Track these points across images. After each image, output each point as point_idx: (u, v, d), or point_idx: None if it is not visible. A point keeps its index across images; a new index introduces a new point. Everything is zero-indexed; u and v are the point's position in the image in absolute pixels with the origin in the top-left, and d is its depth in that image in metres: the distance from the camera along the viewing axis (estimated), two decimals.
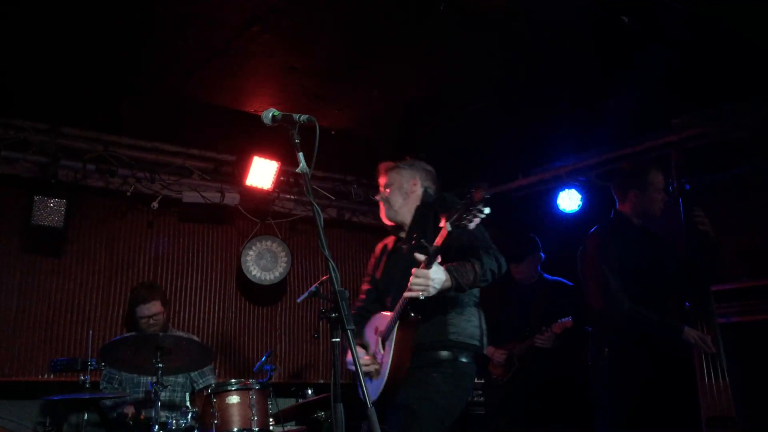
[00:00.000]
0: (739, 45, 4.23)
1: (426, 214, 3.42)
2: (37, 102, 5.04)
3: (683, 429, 3.70)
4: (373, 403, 3.14)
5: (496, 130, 5.70)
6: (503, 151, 6.14)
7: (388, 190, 3.58)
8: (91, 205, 5.70)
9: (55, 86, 4.83)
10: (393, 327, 3.19)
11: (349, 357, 3.38)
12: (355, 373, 2.26)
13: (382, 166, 3.70)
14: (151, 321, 4.93)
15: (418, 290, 2.97)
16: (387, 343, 3.23)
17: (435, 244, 2.92)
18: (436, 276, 2.98)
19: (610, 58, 4.47)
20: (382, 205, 3.60)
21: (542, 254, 5.55)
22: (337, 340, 2.29)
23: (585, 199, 6.10)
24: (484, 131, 5.73)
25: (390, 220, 3.58)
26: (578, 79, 4.78)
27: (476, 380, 5.92)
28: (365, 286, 3.72)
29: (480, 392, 5.93)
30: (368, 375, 3.33)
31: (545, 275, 5.56)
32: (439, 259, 3.01)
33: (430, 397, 3.09)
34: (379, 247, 3.77)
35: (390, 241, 3.72)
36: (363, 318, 3.56)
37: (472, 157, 6.31)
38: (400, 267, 3.35)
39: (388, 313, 3.30)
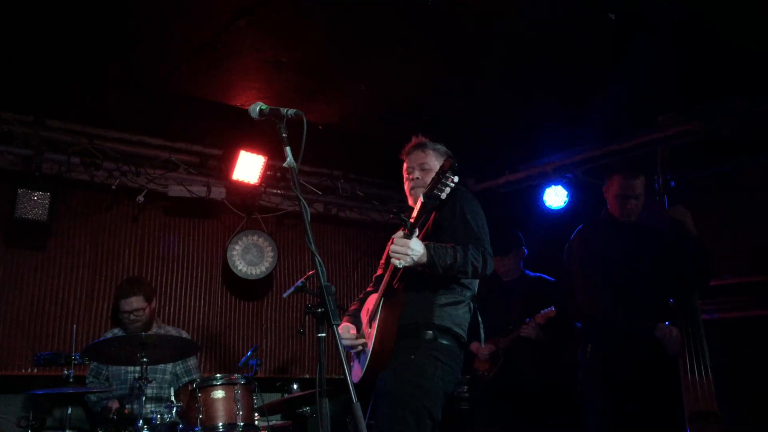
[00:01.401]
0: (724, 43, 4.26)
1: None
2: (22, 94, 5.00)
3: (667, 424, 3.73)
4: (359, 381, 3.15)
5: (483, 125, 5.71)
6: (490, 146, 6.16)
7: (426, 172, 3.45)
8: (75, 198, 5.65)
9: (40, 78, 4.79)
10: (378, 304, 3.21)
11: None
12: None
13: (423, 143, 3.58)
14: (132, 317, 4.83)
15: (397, 257, 2.97)
16: (373, 322, 3.24)
17: (413, 216, 2.98)
18: (415, 246, 2.98)
19: (597, 56, 4.49)
20: (414, 183, 3.48)
21: (525, 250, 5.58)
22: (323, 335, 2.28)
23: (571, 196, 6.13)
24: (471, 127, 5.74)
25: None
26: (565, 76, 4.79)
27: (462, 376, 5.95)
28: (377, 274, 3.70)
29: (465, 388, 5.95)
30: (356, 352, 3.37)
31: (527, 271, 5.59)
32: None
33: (413, 381, 3.03)
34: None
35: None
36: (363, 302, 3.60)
37: (459, 152, 6.30)
38: None
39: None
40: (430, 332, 3.15)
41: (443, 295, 3.21)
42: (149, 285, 5.19)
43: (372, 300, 3.37)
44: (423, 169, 3.45)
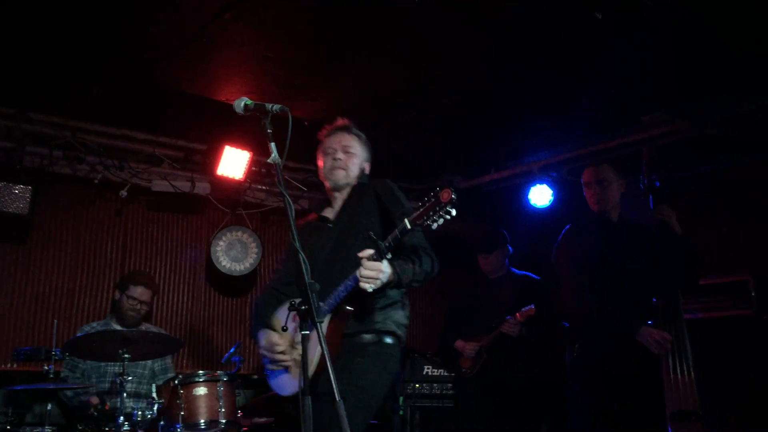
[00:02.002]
0: (709, 42, 4.27)
1: (359, 197, 3.26)
2: (3, 86, 4.93)
3: (649, 423, 3.75)
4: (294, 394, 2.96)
5: (469, 123, 5.71)
6: (476, 144, 6.16)
7: (350, 156, 3.31)
8: (57, 192, 5.60)
9: (22, 70, 4.73)
10: (325, 315, 2.98)
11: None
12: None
13: (348, 125, 3.43)
14: (137, 305, 4.93)
15: (368, 282, 2.78)
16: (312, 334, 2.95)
17: (389, 238, 2.76)
18: (386, 269, 2.81)
19: (582, 55, 4.49)
20: (334, 164, 3.27)
21: (510, 248, 5.59)
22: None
23: (556, 195, 6.15)
24: (457, 124, 5.73)
25: (336, 187, 3.29)
26: (550, 75, 4.80)
27: (446, 373, 5.96)
28: (281, 265, 3.49)
29: (450, 385, 5.96)
30: (284, 368, 3.11)
31: (513, 269, 5.60)
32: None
33: (356, 382, 2.92)
34: (299, 224, 3.40)
35: (311, 219, 3.43)
36: (274, 299, 3.30)
37: (445, 149, 6.32)
38: (325, 250, 3.18)
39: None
40: (372, 335, 3.05)
41: (380, 299, 3.10)
42: (157, 285, 5.33)
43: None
44: (347, 152, 3.29)
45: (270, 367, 3.14)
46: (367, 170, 3.38)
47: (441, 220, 2.69)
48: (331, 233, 3.21)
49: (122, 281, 5.12)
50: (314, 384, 2.73)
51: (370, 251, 2.75)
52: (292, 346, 3.07)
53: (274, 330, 3.13)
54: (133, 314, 4.90)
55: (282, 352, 3.07)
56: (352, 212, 3.22)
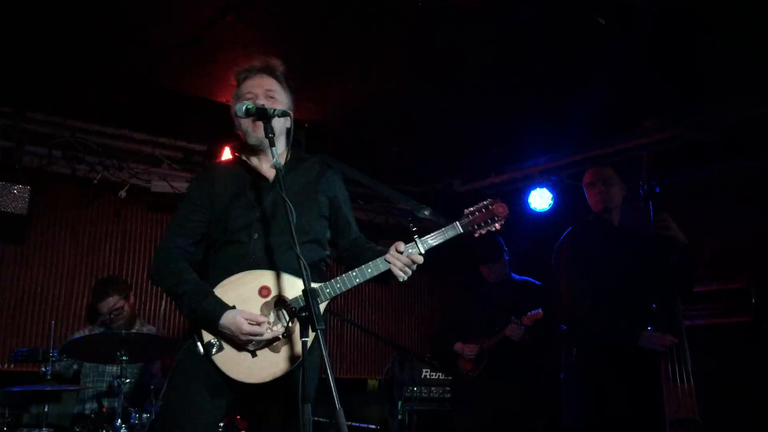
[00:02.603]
0: (708, 48, 4.27)
1: (308, 169, 2.95)
2: (2, 85, 4.91)
3: (647, 430, 3.74)
4: (272, 380, 2.59)
5: (468, 127, 5.70)
6: (476, 148, 6.15)
7: (274, 102, 2.82)
8: (56, 192, 5.59)
9: (21, 69, 4.71)
10: (322, 302, 2.69)
11: None
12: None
13: (270, 66, 2.93)
14: (112, 316, 4.83)
15: (406, 274, 2.76)
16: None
17: (434, 239, 2.78)
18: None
19: (582, 59, 4.49)
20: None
21: (506, 256, 5.58)
22: (307, 339, 2.25)
23: (556, 199, 6.15)
24: (456, 128, 5.73)
25: (260, 144, 2.79)
26: (550, 79, 4.79)
27: (442, 376, 5.95)
28: (193, 217, 2.79)
29: (446, 388, 5.95)
30: (266, 345, 2.63)
31: (513, 275, 5.59)
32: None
33: (317, 376, 2.72)
34: (225, 170, 2.88)
35: (230, 163, 2.92)
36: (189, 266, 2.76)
37: (445, 153, 6.31)
38: (256, 210, 2.76)
39: (295, 279, 2.66)
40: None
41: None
42: (123, 281, 5.14)
43: (283, 285, 2.68)
44: (270, 97, 2.82)
45: (250, 346, 2.61)
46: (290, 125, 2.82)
47: (485, 231, 2.76)
48: (267, 194, 2.79)
49: (92, 298, 5.07)
50: (282, 382, 2.58)
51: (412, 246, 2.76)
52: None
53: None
54: (118, 322, 4.84)
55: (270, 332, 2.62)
56: (302, 185, 2.86)
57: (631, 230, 4.24)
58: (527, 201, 6.26)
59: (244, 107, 2.62)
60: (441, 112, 5.39)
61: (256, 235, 2.71)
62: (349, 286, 2.71)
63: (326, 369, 2.15)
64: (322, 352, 2.20)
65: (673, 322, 3.83)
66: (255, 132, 2.75)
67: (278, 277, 2.67)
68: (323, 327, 2.21)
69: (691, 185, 5.74)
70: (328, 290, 2.68)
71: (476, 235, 2.77)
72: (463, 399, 5.49)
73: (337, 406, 2.12)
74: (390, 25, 4.14)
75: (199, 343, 2.62)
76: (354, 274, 2.71)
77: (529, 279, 5.50)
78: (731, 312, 5.09)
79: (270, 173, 2.81)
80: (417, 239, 2.77)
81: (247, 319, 2.56)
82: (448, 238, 2.79)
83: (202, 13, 3.99)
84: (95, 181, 5.52)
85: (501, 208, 2.74)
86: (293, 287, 2.66)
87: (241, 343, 2.59)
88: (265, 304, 2.65)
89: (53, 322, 4.79)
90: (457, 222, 2.79)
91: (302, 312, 2.26)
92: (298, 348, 2.55)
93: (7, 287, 5.28)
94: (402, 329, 7.56)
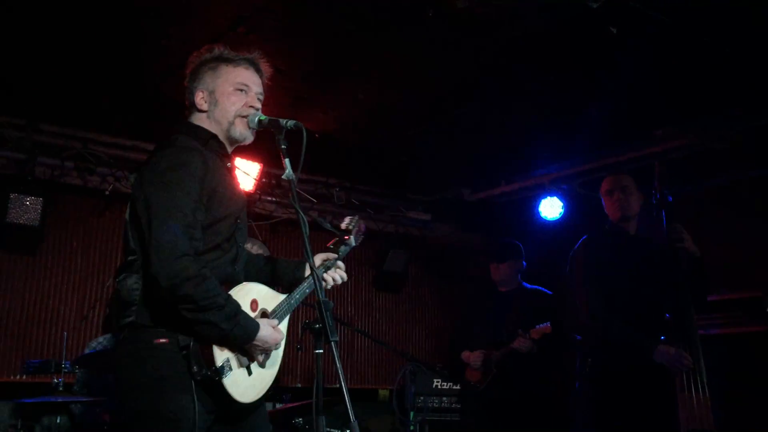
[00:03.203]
0: (720, 56, 4.26)
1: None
2: (15, 97, 4.95)
3: None
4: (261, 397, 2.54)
5: (480, 135, 5.70)
6: (487, 156, 6.15)
7: (261, 104, 2.77)
8: (68, 203, 5.62)
9: (33, 81, 4.74)
10: (290, 311, 2.71)
11: None
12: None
13: (261, 68, 2.81)
14: None
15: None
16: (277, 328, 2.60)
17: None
18: None
19: (594, 68, 4.48)
20: (247, 112, 2.66)
21: (524, 263, 5.55)
22: (321, 351, 2.24)
23: (566, 207, 6.13)
24: (468, 137, 5.73)
25: (243, 138, 2.70)
26: (561, 88, 4.78)
27: (453, 386, 5.92)
28: (194, 220, 2.40)
29: (456, 398, 5.92)
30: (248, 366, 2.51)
31: (524, 284, 5.56)
32: None
33: None
34: (213, 170, 2.52)
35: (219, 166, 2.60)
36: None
37: (455, 162, 6.31)
38: (245, 214, 2.76)
39: (270, 290, 2.68)
40: None
41: None
42: None
43: (267, 296, 2.66)
44: (259, 99, 2.74)
45: (259, 359, 2.53)
46: None
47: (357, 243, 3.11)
48: (240, 193, 2.76)
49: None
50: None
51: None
52: None
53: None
54: None
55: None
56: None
57: (647, 240, 4.21)
58: (538, 210, 6.25)
59: (256, 119, 2.62)
60: (451, 121, 5.39)
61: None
62: (302, 298, 2.78)
63: (340, 380, 2.14)
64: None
65: (687, 332, 3.79)
66: (241, 127, 2.66)
67: (260, 290, 2.65)
68: (337, 339, 2.20)
69: (703, 194, 5.71)
70: (293, 301, 2.71)
71: (355, 246, 3.08)
72: (471, 410, 5.46)
73: (352, 418, 2.10)
74: (400, 35, 4.15)
75: (197, 367, 2.31)
76: (303, 285, 2.78)
77: (540, 288, 5.47)
78: (746, 321, 5.04)
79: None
80: (339, 251, 2.99)
81: (274, 332, 2.52)
82: (348, 250, 3.06)
83: (214, 25, 4.01)
84: (107, 193, 5.54)
85: (363, 226, 3.13)
86: (274, 300, 2.67)
87: (263, 354, 2.51)
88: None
89: (65, 333, 4.81)
90: (352, 236, 3.05)
91: (315, 324, 2.26)
92: (276, 359, 2.61)
93: (20, 298, 5.29)
94: (412, 340, 7.54)
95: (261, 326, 2.43)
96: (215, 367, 2.33)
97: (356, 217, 3.15)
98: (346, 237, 3.05)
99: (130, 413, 2.37)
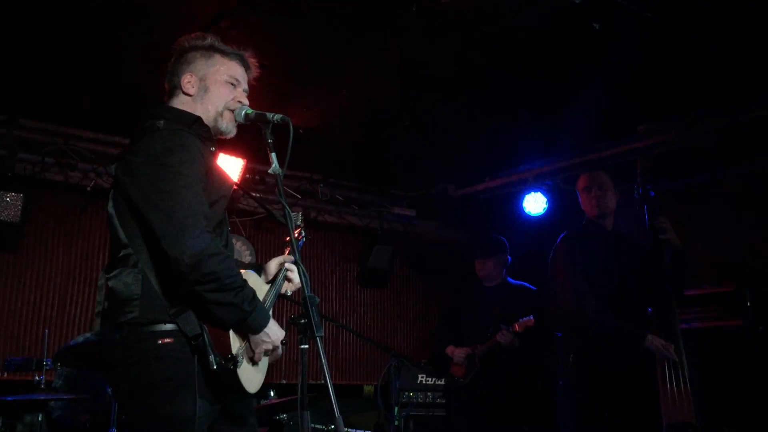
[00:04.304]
0: (703, 52, 4.29)
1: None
2: None
3: None
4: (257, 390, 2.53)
5: (463, 132, 5.71)
6: (470, 153, 6.16)
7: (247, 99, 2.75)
8: (49, 199, 5.56)
9: (13, 76, 4.69)
10: (273, 303, 2.67)
11: None
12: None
13: (255, 65, 2.83)
14: None
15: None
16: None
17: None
18: None
19: (576, 64, 4.50)
20: (236, 105, 2.65)
21: (509, 258, 5.58)
22: (306, 347, 2.24)
23: (550, 203, 6.16)
24: (451, 132, 5.73)
25: (229, 132, 2.68)
26: (544, 84, 4.80)
27: (437, 381, 5.94)
28: (204, 199, 2.34)
29: (440, 394, 5.94)
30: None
31: (509, 279, 5.58)
32: None
33: None
34: (203, 152, 2.47)
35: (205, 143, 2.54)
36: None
37: (439, 158, 6.32)
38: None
39: (258, 278, 2.66)
40: None
41: None
42: None
43: (255, 282, 2.60)
44: (246, 97, 2.75)
45: (261, 357, 2.47)
46: None
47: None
48: (227, 178, 2.67)
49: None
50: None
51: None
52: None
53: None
54: None
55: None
56: None
57: (625, 235, 4.24)
58: (522, 205, 6.27)
59: (243, 112, 2.60)
60: (434, 118, 5.39)
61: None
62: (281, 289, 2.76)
63: (325, 376, 2.13)
64: None
65: (668, 327, 3.83)
66: (227, 120, 2.63)
67: (254, 279, 2.60)
68: (322, 334, 2.19)
69: (685, 189, 5.76)
70: (274, 291, 2.69)
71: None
72: (456, 405, 5.49)
73: (337, 414, 2.10)
74: (384, 30, 4.14)
75: (212, 357, 2.25)
76: (282, 275, 2.74)
77: (525, 284, 5.50)
78: (726, 315, 5.09)
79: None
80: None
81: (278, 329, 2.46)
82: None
83: (197, 20, 3.98)
84: (89, 188, 5.50)
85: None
86: (262, 289, 2.64)
87: (264, 352, 2.45)
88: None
89: (47, 330, 4.77)
90: (303, 232, 3.07)
91: (301, 319, 2.25)
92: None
93: (1, 295, 5.24)
94: (397, 335, 7.55)
95: (270, 320, 2.41)
96: (231, 354, 2.28)
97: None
98: (298, 231, 3.02)
99: (136, 417, 2.30)
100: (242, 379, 2.35)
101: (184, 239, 2.18)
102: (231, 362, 2.28)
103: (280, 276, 2.73)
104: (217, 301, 2.22)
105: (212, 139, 2.60)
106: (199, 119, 2.56)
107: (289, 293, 2.80)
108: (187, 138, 2.41)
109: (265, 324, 2.36)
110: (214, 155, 2.57)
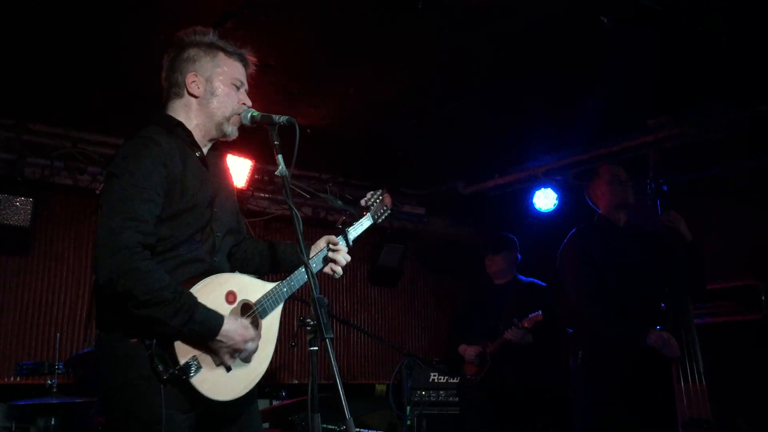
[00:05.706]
0: (714, 46, 4.25)
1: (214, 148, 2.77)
2: (3, 96, 4.90)
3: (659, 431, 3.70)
4: (245, 394, 2.48)
5: (473, 128, 5.68)
6: (480, 149, 6.13)
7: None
8: (59, 203, 5.58)
9: (22, 80, 4.69)
10: (280, 302, 2.59)
11: None
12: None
13: (253, 62, 2.76)
14: None
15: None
16: (264, 322, 2.52)
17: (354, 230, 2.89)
18: None
19: (587, 59, 4.46)
20: (239, 109, 2.61)
21: (519, 255, 5.55)
22: (316, 348, 2.22)
23: (561, 199, 6.12)
24: (460, 129, 5.70)
25: (230, 134, 2.66)
26: (555, 79, 4.76)
27: (450, 380, 5.92)
28: (144, 212, 2.25)
29: (454, 392, 5.92)
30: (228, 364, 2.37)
31: (519, 276, 5.55)
32: None
33: None
34: (176, 158, 2.41)
35: (189, 155, 2.49)
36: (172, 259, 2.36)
37: (449, 155, 6.29)
38: (208, 195, 2.53)
39: (254, 280, 2.56)
40: None
41: None
42: None
43: (249, 287, 2.53)
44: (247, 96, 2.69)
45: (227, 361, 2.35)
46: None
47: (381, 220, 2.99)
48: (210, 182, 2.58)
49: None
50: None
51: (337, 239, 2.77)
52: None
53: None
54: None
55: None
56: (222, 174, 2.74)
57: (638, 229, 4.20)
58: (532, 201, 6.23)
59: (249, 114, 2.58)
60: (444, 115, 5.37)
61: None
62: (298, 286, 2.63)
63: (335, 376, 2.11)
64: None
65: (683, 321, 3.79)
66: (234, 125, 2.62)
67: (240, 281, 2.51)
68: (332, 336, 2.17)
69: (697, 183, 5.71)
70: (285, 289, 2.59)
71: (379, 222, 2.98)
72: (469, 403, 5.47)
73: (347, 415, 2.08)
74: (391, 28, 4.12)
75: (161, 366, 2.21)
76: (299, 272, 2.63)
77: (535, 280, 5.47)
78: (742, 310, 5.04)
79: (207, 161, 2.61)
80: (347, 231, 2.83)
81: (243, 327, 2.34)
82: (365, 228, 2.93)
83: (202, 21, 3.96)
84: (98, 192, 5.49)
85: (389, 199, 3.00)
86: (259, 290, 2.53)
87: (234, 354, 2.34)
88: (233, 311, 2.41)
89: (58, 334, 4.76)
90: (369, 213, 2.95)
91: (310, 320, 2.23)
92: (266, 353, 2.52)
93: (11, 300, 5.26)
94: (408, 334, 7.53)
95: (226, 320, 2.28)
96: (179, 365, 2.23)
97: (379, 192, 3.00)
98: (364, 213, 2.95)
99: (110, 415, 2.36)
100: (200, 386, 2.27)
101: (99, 259, 2.17)
102: (182, 372, 2.23)
103: (318, 256, 2.71)
104: (144, 316, 2.18)
105: (197, 144, 2.55)
106: (180, 124, 2.51)
107: (336, 276, 2.78)
108: (148, 146, 2.34)
109: (211, 331, 2.25)
110: (200, 159, 2.53)
